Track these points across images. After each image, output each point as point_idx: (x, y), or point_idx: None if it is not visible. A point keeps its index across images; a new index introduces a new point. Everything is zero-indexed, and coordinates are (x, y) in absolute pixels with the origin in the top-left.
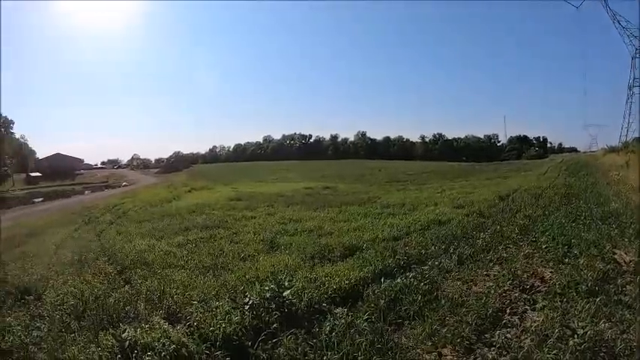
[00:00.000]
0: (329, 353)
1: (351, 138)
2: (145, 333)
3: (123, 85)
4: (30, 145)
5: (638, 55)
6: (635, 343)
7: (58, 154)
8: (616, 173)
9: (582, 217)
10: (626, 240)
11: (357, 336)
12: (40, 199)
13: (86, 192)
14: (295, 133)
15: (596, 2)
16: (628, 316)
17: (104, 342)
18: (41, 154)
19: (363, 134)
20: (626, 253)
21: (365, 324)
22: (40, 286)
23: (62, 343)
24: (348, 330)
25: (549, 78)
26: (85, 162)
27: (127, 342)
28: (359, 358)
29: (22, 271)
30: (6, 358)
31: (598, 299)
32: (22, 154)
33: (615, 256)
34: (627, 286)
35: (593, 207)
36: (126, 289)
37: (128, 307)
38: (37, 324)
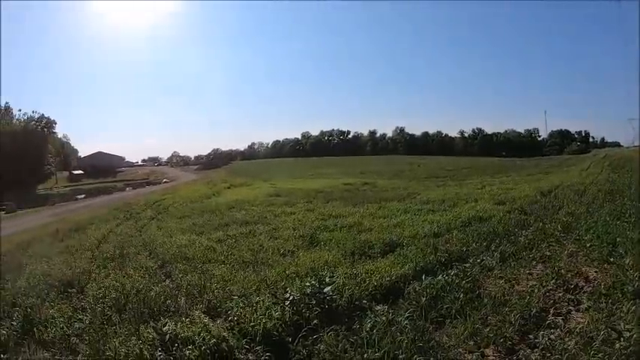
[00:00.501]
0: (369, 351)
1: (390, 134)
2: (186, 327)
3: (161, 84)
4: (72, 144)
5: None
6: None
7: (99, 153)
8: None
9: (627, 215)
10: None
11: (398, 334)
12: (83, 196)
13: (127, 189)
14: (334, 129)
15: None
16: None
17: (145, 335)
18: (83, 152)
19: (402, 130)
20: None
21: (406, 322)
22: (82, 279)
23: (103, 335)
24: (388, 327)
25: (591, 71)
26: (126, 159)
27: (168, 335)
28: (400, 356)
29: (66, 265)
30: (49, 348)
31: None
32: (65, 152)
33: None
34: None
35: (639, 204)
36: (166, 284)
37: (169, 301)
38: (79, 316)
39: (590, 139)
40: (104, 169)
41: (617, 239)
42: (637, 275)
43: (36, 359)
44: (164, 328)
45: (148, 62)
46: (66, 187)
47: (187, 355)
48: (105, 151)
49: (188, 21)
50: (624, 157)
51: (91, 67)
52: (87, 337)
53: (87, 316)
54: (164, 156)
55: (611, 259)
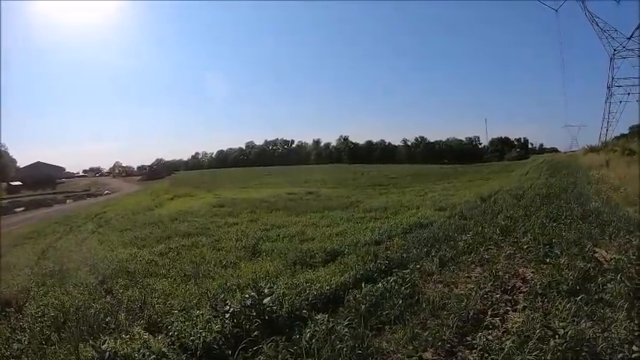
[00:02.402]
0: None
1: (334, 143)
2: (125, 344)
3: (104, 92)
4: (10, 154)
5: (616, 56)
6: (616, 342)
7: (38, 163)
8: (596, 172)
9: (563, 217)
10: (606, 238)
11: (338, 342)
12: (22, 209)
13: (68, 201)
14: (278, 139)
15: (575, 4)
16: (609, 314)
17: (84, 354)
18: (22, 162)
19: (346, 139)
20: (606, 251)
21: (346, 329)
22: (20, 297)
23: (42, 355)
24: (328, 336)
25: (530, 79)
26: (67, 170)
27: (107, 353)
28: None
29: (3, 284)
30: None
31: (579, 298)
32: (2, 162)
33: (596, 255)
34: (608, 285)
35: (574, 206)
36: (107, 300)
37: (109, 318)
38: (18, 337)
39: (530, 146)
40: (44, 180)
41: (553, 240)
42: (572, 274)
43: None
44: (103, 346)
45: (89, 66)
46: (3, 199)
47: None
48: (44, 162)
49: (133, 24)
50: (562, 161)
51: (28, 72)
52: (26, 359)
53: (26, 336)
54: (106, 166)
55: (547, 260)
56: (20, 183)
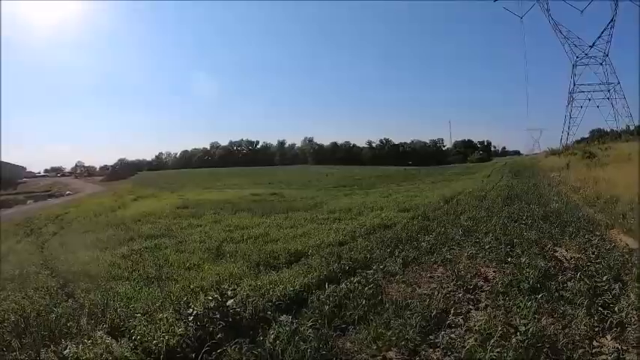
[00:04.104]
0: None
1: (299, 144)
2: (87, 349)
3: (65, 90)
4: None
5: (578, 63)
6: (577, 338)
7: None
8: (557, 174)
9: (524, 218)
10: (566, 238)
11: (302, 343)
12: None
13: (29, 201)
14: (242, 140)
15: (540, 11)
16: (570, 311)
17: None
18: None
19: (310, 140)
20: (567, 251)
21: (310, 330)
22: None
23: None
24: (292, 337)
25: (494, 83)
26: (28, 170)
27: (69, 359)
28: None
29: None
30: None
31: (540, 296)
32: None
33: (556, 254)
34: (568, 283)
35: (535, 207)
36: (69, 304)
37: (70, 323)
38: None
39: (492, 148)
40: (4, 180)
41: (515, 240)
42: (533, 273)
43: None
44: (65, 352)
45: (51, 66)
46: None
47: None
48: (5, 161)
49: (97, 22)
50: (523, 164)
51: None
52: None
53: None
54: (68, 166)
55: (509, 259)
56: None
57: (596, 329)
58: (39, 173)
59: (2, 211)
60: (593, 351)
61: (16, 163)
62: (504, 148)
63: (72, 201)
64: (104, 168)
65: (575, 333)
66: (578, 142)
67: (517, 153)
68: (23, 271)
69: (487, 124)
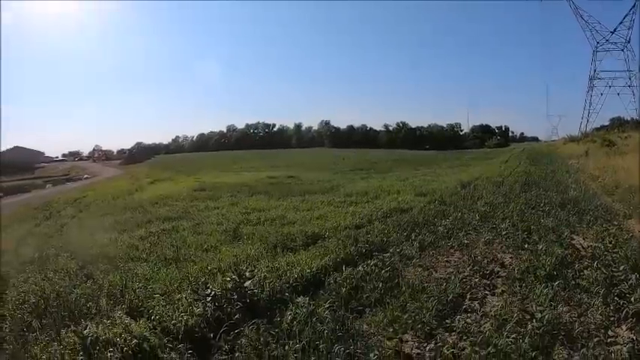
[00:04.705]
0: (291, 342)
1: (315, 127)
2: (107, 329)
3: (82, 75)
4: None
5: (599, 49)
6: (592, 326)
7: (16, 148)
8: (575, 162)
9: (542, 204)
10: (584, 226)
11: (319, 324)
12: (0, 195)
13: (47, 186)
14: (259, 122)
15: None
16: (586, 299)
17: (66, 339)
18: None
19: (327, 123)
20: (584, 239)
21: (326, 312)
22: (0, 285)
23: (24, 342)
24: (309, 319)
25: (513, 68)
26: (46, 155)
27: (89, 339)
28: (320, 346)
29: None
30: None
31: (556, 284)
32: None
33: (573, 242)
34: (585, 271)
35: (553, 194)
36: (88, 285)
37: (90, 303)
38: None
39: (510, 134)
40: (22, 165)
41: (532, 227)
42: (549, 260)
43: None
44: (85, 332)
45: (68, 51)
46: None
47: (109, 357)
48: (23, 146)
49: (111, 8)
50: (541, 150)
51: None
52: (7, 347)
53: (6, 324)
54: (85, 150)
55: (526, 246)
56: None
57: (612, 319)
58: (57, 158)
59: (20, 195)
60: (608, 340)
61: (34, 149)
62: (522, 133)
63: (90, 185)
64: (121, 152)
65: (590, 322)
66: (597, 129)
67: (535, 139)
68: (43, 253)
69: (505, 110)
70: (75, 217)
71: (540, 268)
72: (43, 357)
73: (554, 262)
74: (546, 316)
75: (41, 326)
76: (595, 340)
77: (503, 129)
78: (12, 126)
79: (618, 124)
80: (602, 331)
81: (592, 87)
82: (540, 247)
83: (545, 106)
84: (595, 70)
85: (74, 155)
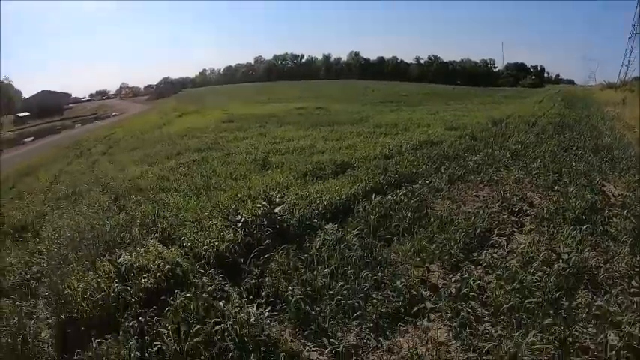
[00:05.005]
0: (319, 267)
1: (344, 58)
2: (141, 256)
3: (102, 12)
4: (15, 86)
5: None
6: (617, 274)
7: (44, 91)
8: (611, 109)
9: (574, 148)
10: (616, 174)
11: (347, 251)
12: (31, 139)
13: (76, 126)
14: (287, 53)
15: None
16: (612, 247)
17: (101, 268)
18: (27, 93)
19: (357, 54)
20: (615, 187)
21: (355, 239)
22: (37, 222)
23: (61, 274)
24: (338, 245)
25: (552, 6)
26: (73, 96)
27: (123, 266)
28: (348, 271)
29: (19, 211)
30: (10, 296)
31: (584, 227)
32: (8, 95)
33: (604, 189)
34: (614, 219)
35: (587, 139)
36: (121, 217)
37: (123, 233)
38: (37, 260)
39: (545, 75)
40: (51, 108)
41: (563, 169)
42: (579, 204)
43: None
44: (119, 260)
45: None
46: (12, 131)
47: (143, 282)
48: (50, 90)
49: None
50: (577, 94)
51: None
52: (46, 280)
53: (44, 258)
54: (112, 89)
55: (556, 187)
56: (27, 114)
57: (637, 269)
58: (84, 98)
59: (50, 137)
60: (631, 290)
61: (61, 91)
62: (558, 75)
63: (118, 122)
64: (148, 88)
65: (615, 269)
66: (636, 79)
67: (571, 82)
68: (76, 189)
69: (542, 50)
70: (105, 154)
71: (569, 211)
72: (80, 286)
73: (583, 206)
74: (573, 259)
75: (77, 258)
76: (619, 287)
77: (539, 69)
78: (39, 71)
79: None
80: (627, 280)
81: (635, 33)
82: (570, 190)
83: (583, 50)
84: (639, 16)
85: (101, 94)
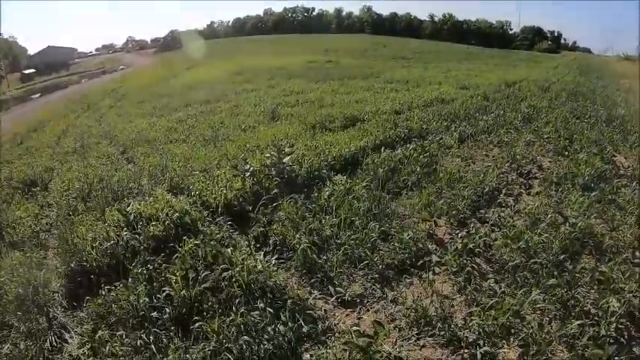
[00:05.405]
0: (327, 217)
1: (356, 12)
2: (149, 205)
3: None
4: (19, 43)
5: None
6: (621, 243)
7: (49, 47)
8: (627, 82)
9: (587, 116)
10: (627, 145)
11: (355, 202)
12: (38, 95)
13: (83, 80)
14: (297, 6)
15: None
16: (619, 216)
17: (110, 218)
18: (32, 49)
19: (369, 8)
20: (625, 158)
21: (363, 191)
22: (45, 177)
23: (70, 225)
24: (346, 196)
25: None
26: (79, 50)
27: (132, 215)
28: (356, 222)
29: (27, 166)
30: (20, 248)
31: (592, 194)
32: (13, 53)
33: (615, 159)
34: (622, 189)
35: (600, 108)
36: (129, 168)
37: (132, 184)
38: (46, 212)
39: (562, 41)
40: (56, 63)
41: (574, 136)
42: (588, 171)
43: (7, 260)
44: (128, 209)
45: None
46: (19, 88)
47: (152, 230)
48: (55, 45)
49: None
50: (593, 64)
51: None
52: (55, 231)
53: (53, 210)
54: (119, 42)
55: (566, 153)
56: (33, 70)
57: None
58: (90, 52)
59: (57, 92)
60: (635, 261)
61: (66, 46)
62: (575, 42)
63: (126, 75)
64: (156, 40)
65: (620, 239)
66: None
67: (588, 51)
68: (83, 143)
69: (560, 15)
70: (113, 107)
71: (579, 177)
72: (89, 235)
73: (593, 173)
74: (579, 224)
75: (86, 209)
76: (623, 256)
77: (556, 34)
78: (43, 27)
79: None
80: (631, 250)
81: None
82: (581, 156)
83: (602, 18)
84: None
85: (108, 48)
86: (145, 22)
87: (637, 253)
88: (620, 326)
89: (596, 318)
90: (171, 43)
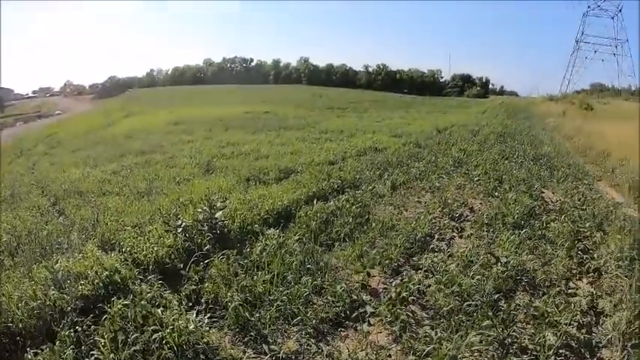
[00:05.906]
0: (260, 273)
1: (294, 63)
2: (78, 262)
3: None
4: None
5: (589, 13)
6: (554, 276)
7: None
8: (552, 120)
9: (515, 156)
10: (554, 181)
11: (288, 256)
12: None
13: (18, 124)
14: (236, 57)
15: None
16: (550, 250)
17: (37, 275)
18: None
19: (306, 60)
20: (553, 193)
21: (296, 245)
22: None
23: None
24: (279, 250)
25: (499, 21)
26: (15, 92)
27: (60, 273)
28: (289, 277)
29: None
30: None
31: (523, 232)
32: None
33: (543, 195)
34: (552, 223)
35: (527, 148)
36: (60, 221)
37: (61, 239)
38: None
39: (490, 86)
40: None
41: (504, 176)
42: (518, 209)
43: None
44: (56, 266)
45: None
46: None
47: (80, 289)
48: None
49: None
50: (520, 105)
51: None
52: None
53: None
54: (56, 86)
55: (496, 194)
56: None
57: (574, 271)
58: (27, 95)
59: None
60: (569, 291)
61: (2, 86)
62: (502, 87)
63: (62, 120)
64: (94, 86)
65: (553, 272)
66: (577, 92)
67: (515, 94)
68: (14, 191)
69: (487, 62)
70: (47, 154)
71: (509, 216)
72: (16, 294)
73: (522, 211)
74: (511, 262)
75: (14, 264)
76: (556, 289)
77: (484, 80)
78: None
79: (599, 89)
80: (564, 282)
81: (578, 49)
82: (510, 195)
83: (527, 63)
84: (582, 33)
85: (45, 91)
86: (83, 67)
87: (570, 284)
88: (558, 358)
89: (535, 353)
90: (110, 89)
